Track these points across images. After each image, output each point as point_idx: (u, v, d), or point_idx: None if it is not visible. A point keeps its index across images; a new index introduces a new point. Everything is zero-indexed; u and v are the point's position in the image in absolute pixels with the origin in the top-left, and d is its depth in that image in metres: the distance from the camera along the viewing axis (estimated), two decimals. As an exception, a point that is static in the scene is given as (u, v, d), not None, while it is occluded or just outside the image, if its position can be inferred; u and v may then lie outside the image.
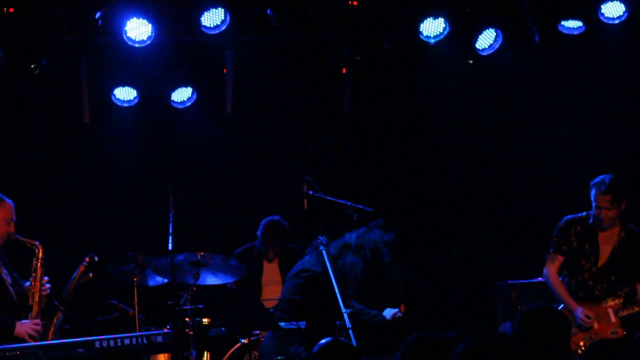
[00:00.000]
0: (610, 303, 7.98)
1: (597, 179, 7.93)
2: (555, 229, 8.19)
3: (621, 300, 7.99)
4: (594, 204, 7.95)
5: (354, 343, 7.15)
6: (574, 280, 8.10)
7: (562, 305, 8.02)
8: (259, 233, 9.50)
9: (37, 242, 7.69)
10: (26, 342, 7.19)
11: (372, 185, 10.83)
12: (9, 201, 7.73)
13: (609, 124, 10.53)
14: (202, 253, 8.61)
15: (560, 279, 8.14)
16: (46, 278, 7.65)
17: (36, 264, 7.62)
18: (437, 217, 11.06)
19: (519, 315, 4.83)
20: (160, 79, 9.77)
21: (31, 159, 10.31)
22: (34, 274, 7.60)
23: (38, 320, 7.47)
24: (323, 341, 4.97)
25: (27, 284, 7.67)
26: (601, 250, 8.03)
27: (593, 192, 7.92)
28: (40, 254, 7.64)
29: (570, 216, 8.19)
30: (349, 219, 8.26)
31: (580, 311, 7.90)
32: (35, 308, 7.51)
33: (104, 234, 10.15)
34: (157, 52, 9.41)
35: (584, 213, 8.12)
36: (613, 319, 7.95)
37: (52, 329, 7.61)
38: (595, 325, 7.93)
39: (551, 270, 8.13)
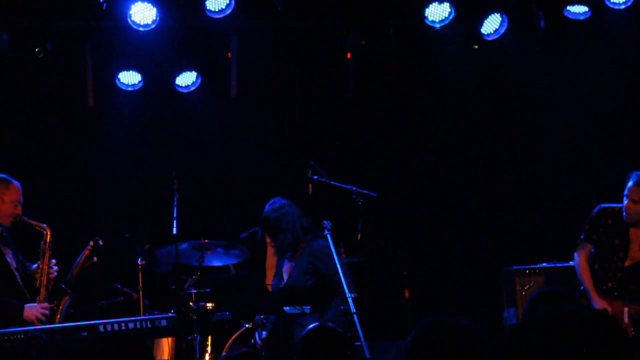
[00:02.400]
0: (629, 306, 7.86)
1: (634, 172, 7.72)
2: (588, 216, 8.03)
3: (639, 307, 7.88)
4: (625, 194, 7.76)
5: (359, 327, 7.16)
6: (596, 266, 8.00)
7: (580, 289, 7.97)
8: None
9: (45, 225, 7.69)
10: (34, 325, 7.20)
11: (376, 170, 10.81)
12: (15, 183, 7.72)
13: (615, 109, 10.49)
14: (206, 240, 8.62)
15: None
16: (54, 261, 7.65)
17: (44, 247, 7.62)
18: (441, 203, 11.05)
19: (529, 300, 4.81)
20: (164, 63, 9.76)
21: (36, 143, 10.31)
22: (42, 257, 7.60)
23: (46, 304, 7.48)
24: (310, 326, 5.03)
25: (35, 266, 7.67)
26: (631, 249, 7.89)
27: (629, 182, 7.71)
28: (48, 237, 7.64)
29: (604, 205, 7.99)
30: (353, 203, 8.26)
31: (597, 305, 7.78)
32: (42, 291, 7.52)
33: (108, 218, 10.16)
34: (161, 36, 9.40)
35: (620, 205, 7.88)
36: (626, 320, 7.82)
37: (60, 312, 7.62)
38: None
39: (580, 255, 8.01)
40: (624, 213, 7.78)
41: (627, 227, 7.88)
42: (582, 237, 8.05)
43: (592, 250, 8.03)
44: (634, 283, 7.86)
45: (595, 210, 8.00)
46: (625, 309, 7.82)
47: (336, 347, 4.94)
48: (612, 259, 7.90)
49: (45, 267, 7.57)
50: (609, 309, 7.77)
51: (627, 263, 7.88)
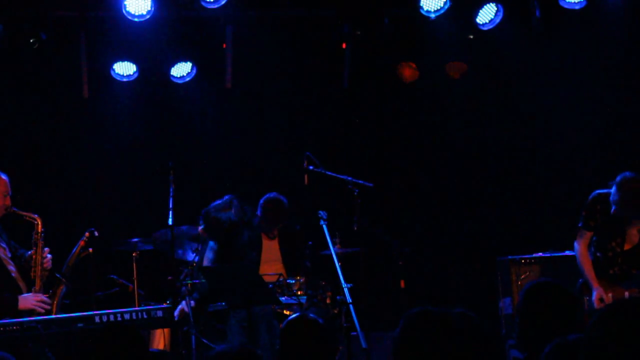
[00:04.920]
0: (630, 290, 7.89)
1: (626, 183, 7.61)
2: (585, 203, 8.02)
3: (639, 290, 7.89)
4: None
5: (355, 317, 7.17)
6: (598, 254, 8.02)
7: (580, 281, 7.98)
8: (259, 212, 9.37)
9: (36, 215, 7.65)
10: (33, 313, 7.20)
11: (371, 161, 10.81)
12: (2, 175, 7.69)
13: (611, 97, 10.49)
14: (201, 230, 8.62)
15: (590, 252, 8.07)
16: (47, 249, 7.62)
17: (36, 238, 7.59)
18: (437, 193, 11.05)
19: (523, 291, 4.81)
20: (159, 54, 9.75)
21: (30, 133, 10.29)
22: (34, 248, 7.58)
23: (40, 294, 7.46)
24: (291, 316, 5.05)
25: (29, 252, 7.64)
26: (628, 233, 7.87)
27: (624, 193, 7.63)
28: (40, 228, 7.60)
29: (598, 191, 7.95)
30: (349, 194, 8.25)
31: (595, 292, 7.82)
32: (37, 282, 7.50)
33: (104, 209, 10.15)
34: (156, 26, 9.38)
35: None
36: None
37: (56, 301, 7.60)
38: None
39: (579, 244, 8.01)
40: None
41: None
42: (580, 224, 8.07)
43: (594, 238, 8.04)
44: (636, 266, 7.89)
45: (591, 196, 8.02)
46: (626, 293, 7.85)
47: (316, 337, 4.96)
48: (611, 245, 7.92)
49: (39, 257, 7.54)
50: (607, 296, 7.79)
51: (626, 247, 7.90)
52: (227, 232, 7.82)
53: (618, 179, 7.67)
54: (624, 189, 7.62)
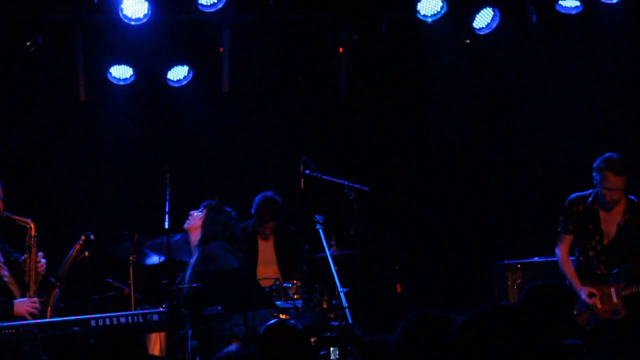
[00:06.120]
0: (615, 285, 7.95)
1: (606, 160, 7.79)
2: (562, 208, 8.15)
3: (624, 284, 7.95)
4: (602, 185, 7.84)
5: (350, 321, 7.17)
6: (582, 258, 8.09)
7: (567, 282, 8.02)
8: (253, 211, 9.39)
9: (29, 220, 7.61)
10: (26, 320, 7.18)
11: (368, 165, 10.81)
12: None
13: (607, 103, 10.50)
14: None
15: (572, 257, 8.13)
16: (40, 254, 7.59)
17: (29, 242, 7.55)
18: (433, 197, 11.05)
19: (524, 293, 4.82)
20: (156, 58, 9.74)
21: (26, 137, 10.27)
22: (28, 252, 7.54)
23: (35, 299, 7.44)
24: (269, 323, 5.06)
25: (22, 257, 7.61)
26: (605, 228, 7.98)
27: (603, 173, 7.79)
28: (33, 232, 7.56)
29: (574, 195, 8.14)
30: (345, 198, 8.25)
31: (583, 291, 7.89)
32: (32, 286, 7.47)
33: (100, 212, 10.14)
34: (153, 30, 9.38)
35: (588, 191, 8.05)
36: (615, 299, 7.91)
37: (50, 305, 7.58)
38: (599, 305, 7.90)
39: (560, 249, 8.14)
40: (608, 203, 7.86)
41: (596, 210, 8.01)
42: (559, 229, 8.17)
43: (577, 247, 8.12)
44: (619, 257, 7.95)
45: (567, 200, 8.14)
46: (612, 289, 7.92)
47: (294, 343, 4.96)
48: (589, 245, 8.00)
49: (33, 262, 7.50)
50: (595, 292, 7.86)
51: (605, 242, 7.98)
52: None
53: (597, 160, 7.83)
54: (602, 164, 7.74)
